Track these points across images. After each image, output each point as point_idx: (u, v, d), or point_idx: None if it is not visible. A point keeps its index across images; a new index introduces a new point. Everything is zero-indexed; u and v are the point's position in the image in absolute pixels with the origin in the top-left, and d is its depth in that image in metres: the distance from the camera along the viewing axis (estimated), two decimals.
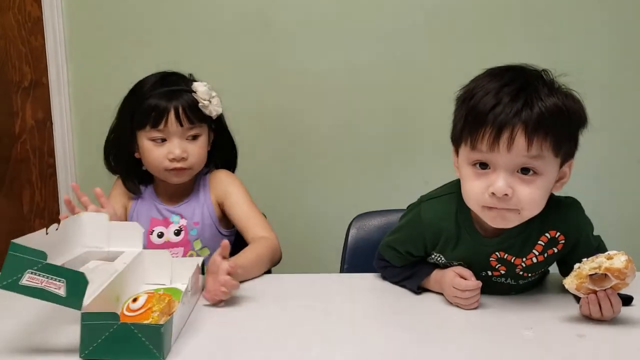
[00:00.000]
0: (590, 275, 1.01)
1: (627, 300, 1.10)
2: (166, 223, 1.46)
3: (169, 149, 1.38)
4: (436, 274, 1.18)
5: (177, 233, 1.45)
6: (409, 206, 1.26)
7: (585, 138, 1.07)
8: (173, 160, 1.38)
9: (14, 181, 2.22)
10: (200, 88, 1.39)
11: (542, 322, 1.04)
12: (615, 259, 0.99)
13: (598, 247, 1.17)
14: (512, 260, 1.13)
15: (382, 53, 2.07)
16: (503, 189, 1.00)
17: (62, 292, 0.91)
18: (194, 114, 1.39)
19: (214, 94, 1.42)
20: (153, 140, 1.39)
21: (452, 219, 1.13)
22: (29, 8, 2.13)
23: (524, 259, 1.13)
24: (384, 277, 1.27)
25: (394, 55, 2.06)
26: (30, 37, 2.15)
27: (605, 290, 1.01)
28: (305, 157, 2.13)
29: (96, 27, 2.13)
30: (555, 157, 1.02)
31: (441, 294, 1.17)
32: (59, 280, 0.90)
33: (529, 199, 1.01)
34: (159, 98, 1.37)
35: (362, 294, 1.22)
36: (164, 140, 1.39)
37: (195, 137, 1.41)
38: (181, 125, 1.38)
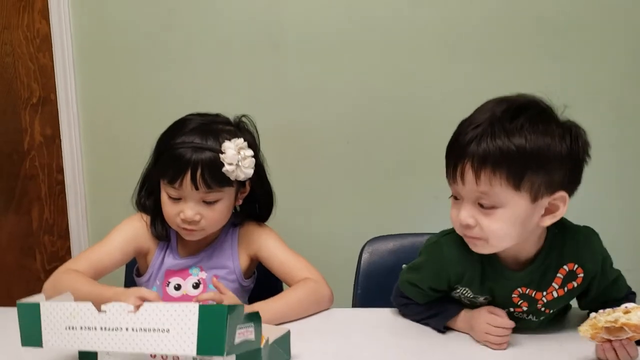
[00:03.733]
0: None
1: None
2: (184, 274, 1.36)
3: (181, 208, 1.27)
4: (465, 313, 1.18)
5: (196, 286, 1.35)
6: (427, 240, 1.25)
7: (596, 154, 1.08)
8: (184, 221, 1.28)
9: (23, 197, 2.24)
10: (229, 150, 1.24)
11: None
12: (632, 314, 0.99)
13: (615, 280, 1.18)
14: (534, 295, 1.15)
15: (390, 70, 2.08)
16: (464, 219, 1.06)
17: (253, 335, 0.91)
18: (215, 178, 1.24)
19: (247, 153, 1.26)
20: (169, 195, 1.28)
21: (474, 253, 1.13)
22: (37, 25, 2.14)
23: (545, 293, 1.15)
24: (404, 314, 1.27)
25: (402, 72, 2.08)
26: (38, 54, 2.16)
27: (621, 340, 1.01)
28: (313, 176, 2.15)
29: (105, 44, 2.14)
30: (516, 191, 1.02)
31: (466, 334, 1.18)
32: (250, 325, 0.91)
33: (490, 230, 1.05)
34: (183, 151, 1.24)
35: (380, 331, 1.21)
36: (179, 198, 1.27)
37: (213, 202, 1.28)
38: (197, 188, 1.24)
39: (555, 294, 1.14)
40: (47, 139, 2.20)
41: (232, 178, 1.27)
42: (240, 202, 1.36)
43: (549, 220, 1.08)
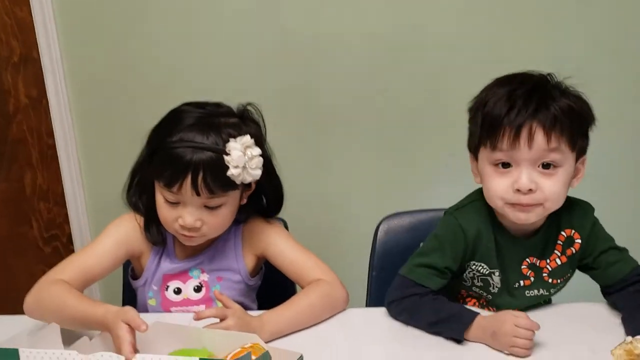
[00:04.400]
0: None
1: None
2: (184, 277, 1.25)
3: (180, 214, 1.14)
4: (481, 319, 1.09)
5: (198, 289, 1.24)
6: (440, 221, 1.22)
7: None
8: (183, 227, 1.16)
9: (13, 163, 2.11)
10: (234, 152, 1.10)
11: None
12: None
13: (618, 249, 1.19)
14: (539, 264, 1.17)
15: (404, 17, 1.89)
16: (527, 184, 1.05)
17: None
18: (219, 182, 1.11)
19: (254, 152, 1.12)
20: (165, 198, 1.15)
21: (488, 225, 1.16)
22: None
23: (548, 261, 1.18)
24: (408, 321, 1.15)
25: (416, 19, 1.89)
26: (15, 8, 1.96)
27: None
28: (323, 145, 2.00)
29: None
30: (571, 152, 1.08)
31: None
32: None
33: (552, 191, 1.07)
34: (181, 151, 1.10)
35: (398, 337, 1.11)
36: (177, 202, 1.15)
37: (216, 207, 1.15)
38: (198, 194, 1.11)
39: (558, 262, 1.18)
40: (33, 100, 2.05)
41: (238, 182, 1.13)
42: (245, 200, 1.23)
43: (576, 182, 1.14)
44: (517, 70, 1.14)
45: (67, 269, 1.17)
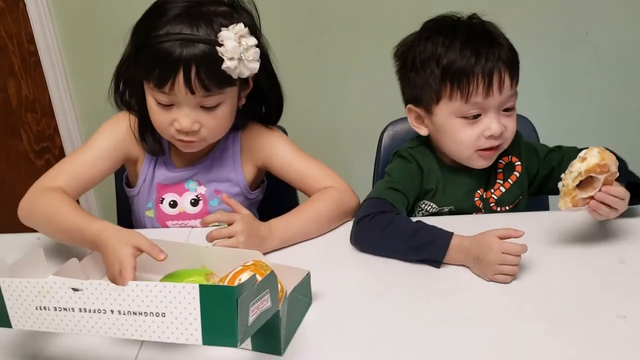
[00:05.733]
0: (577, 185, 0.96)
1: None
2: (180, 189, 1.17)
3: (175, 117, 1.05)
4: (461, 241, 0.99)
5: (194, 203, 1.17)
6: (395, 154, 1.21)
7: None
8: (180, 131, 1.07)
9: None
10: (228, 41, 0.99)
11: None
12: (589, 158, 0.95)
13: (556, 148, 1.21)
14: (485, 195, 1.18)
15: None
16: (498, 129, 1.08)
17: (269, 302, 0.77)
18: (214, 77, 1.01)
19: (250, 42, 1.01)
20: (157, 101, 1.05)
21: (436, 165, 1.17)
22: None
23: (493, 191, 1.18)
24: (375, 238, 1.03)
25: None
26: None
27: (600, 190, 0.96)
28: (324, 47, 1.87)
29: None
30: (516, 88, 1.11)
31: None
32: (265, 293, 0.76)
33: (512, 129, 1.12)
34: (169, 46, 0.99)
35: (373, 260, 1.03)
36: (171, 104, 1.05)
37: (213, 107, 1.06)
38: (192, 92, 1.02)
39: (502, 189, 1.19)
40: (9, 3, 1.91)
41: (235, 76, 1.03)
42: (244, 101, 1.13)
43: None
44: None
45: (61, 175, 1.09)
